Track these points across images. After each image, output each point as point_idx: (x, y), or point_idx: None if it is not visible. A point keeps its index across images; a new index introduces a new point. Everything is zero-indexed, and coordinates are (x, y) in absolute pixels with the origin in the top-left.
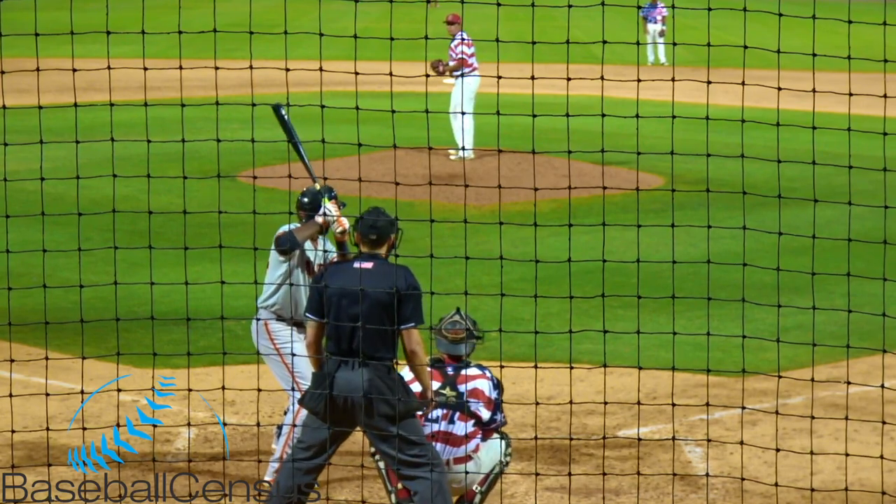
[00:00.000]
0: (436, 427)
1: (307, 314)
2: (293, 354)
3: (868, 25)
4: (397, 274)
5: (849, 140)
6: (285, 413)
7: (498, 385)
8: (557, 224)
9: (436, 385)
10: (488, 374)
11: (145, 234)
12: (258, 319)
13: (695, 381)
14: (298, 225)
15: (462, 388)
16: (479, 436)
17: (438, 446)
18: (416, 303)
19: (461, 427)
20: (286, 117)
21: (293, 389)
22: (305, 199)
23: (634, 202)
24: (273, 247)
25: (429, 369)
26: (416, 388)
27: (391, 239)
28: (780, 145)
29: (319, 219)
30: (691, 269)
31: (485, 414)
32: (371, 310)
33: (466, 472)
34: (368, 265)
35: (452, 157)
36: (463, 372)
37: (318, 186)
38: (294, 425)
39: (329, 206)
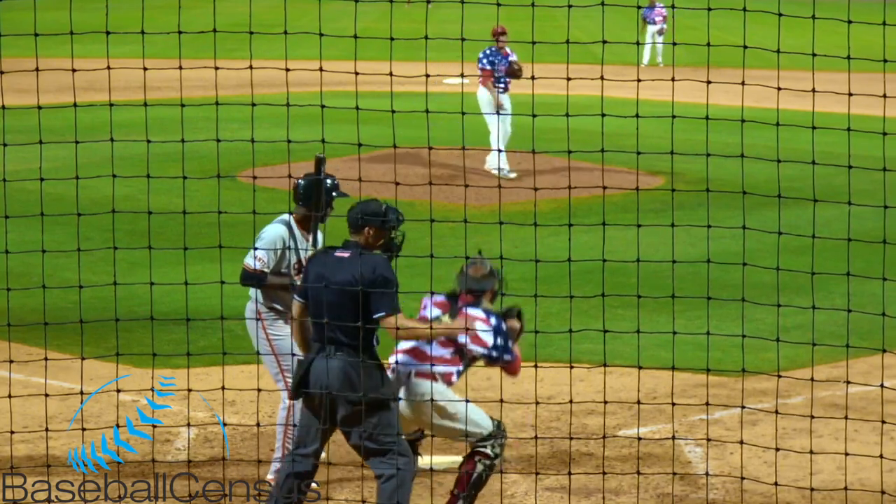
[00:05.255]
0: (410, 344)
1: (295, 295)
2: (293, 354)
3: (868, 25)
4: (366, 263)
5: (848, 140)
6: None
7: (499, 331)
8: (557, 224)
9: (438, 312)
10: (493, 321)
11: (145, 234)
12: (249, 317)
13: (695, 380)
14: (289, 218)
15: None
16: (455, 369)
17: (405, 357)
18: (385, 294)
19: (436, 348)
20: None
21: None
22: (301, 189)
23: (634, 202)
24: (251, 253)
25: (440, 298)
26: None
27: (366, 232)
28: (779, 145)
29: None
30: (691, 269)
31: (475, 349)
32: (341, 298)
33: (415, 383)
34: (345, 254)
35: (508, 174)
36: (465, 310)
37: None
38: (288, 424)
39: None
